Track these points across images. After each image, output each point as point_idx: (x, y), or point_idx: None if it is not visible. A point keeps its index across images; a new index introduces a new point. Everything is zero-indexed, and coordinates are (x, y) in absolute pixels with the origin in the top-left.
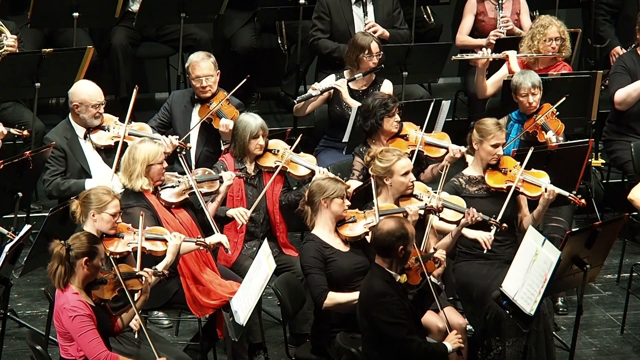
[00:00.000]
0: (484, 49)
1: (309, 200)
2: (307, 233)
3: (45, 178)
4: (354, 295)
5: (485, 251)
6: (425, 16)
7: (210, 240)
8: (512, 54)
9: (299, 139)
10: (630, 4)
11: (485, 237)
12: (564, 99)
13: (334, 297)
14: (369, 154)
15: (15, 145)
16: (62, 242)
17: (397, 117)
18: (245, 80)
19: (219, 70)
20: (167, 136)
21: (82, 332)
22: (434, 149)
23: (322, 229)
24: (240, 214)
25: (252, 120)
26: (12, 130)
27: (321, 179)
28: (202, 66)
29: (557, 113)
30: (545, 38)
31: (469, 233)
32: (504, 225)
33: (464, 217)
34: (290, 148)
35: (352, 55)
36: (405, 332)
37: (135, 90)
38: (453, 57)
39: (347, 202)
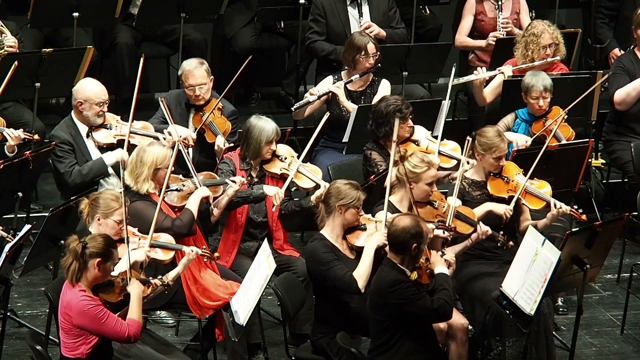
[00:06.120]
0: (479, 68)
1: (325, 200)
2: (315, 232)
3: (65, 171)
4: (369, 260)
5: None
6: (422, 10)
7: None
8: (507, 70)
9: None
10: (627, 6)
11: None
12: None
13: (360, 275)
14: (399, 152)
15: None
16: (79, 239)
17: (410, 123)
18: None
19: (212, 77)
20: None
21: (103, 319)
22: (445, 158)
23: (331, 232)
24: (279, 195)
25: (268, 125)
26: (22, 134)
27: (342, 184)
28: (196, 75)
29: (566, 117)
30: (539, 47)
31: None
32: (511, 243)
33: (474, 231)
34: (299, 157)
35: (349, 56)
36: (429, 302)
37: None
38: (451, 82)
39: (362, 213)
